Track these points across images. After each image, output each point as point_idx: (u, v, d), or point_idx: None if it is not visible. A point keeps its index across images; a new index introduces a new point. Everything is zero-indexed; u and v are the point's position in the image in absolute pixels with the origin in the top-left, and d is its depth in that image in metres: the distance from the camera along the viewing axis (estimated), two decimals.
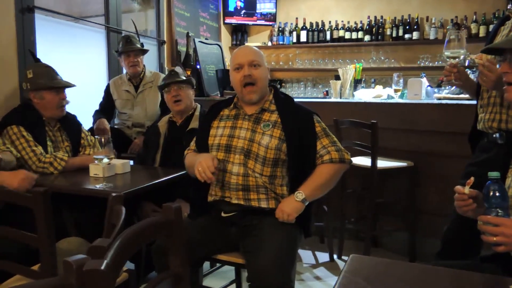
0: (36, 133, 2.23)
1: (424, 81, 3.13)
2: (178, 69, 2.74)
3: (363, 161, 2.75)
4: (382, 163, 2.67)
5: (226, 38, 5.64)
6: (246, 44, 5.70)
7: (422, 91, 3.01)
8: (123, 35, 3.34)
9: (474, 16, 4.77)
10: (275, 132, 1.79)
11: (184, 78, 2.61)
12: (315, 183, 1.77)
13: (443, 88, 3.36)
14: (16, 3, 2.55)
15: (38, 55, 2.61)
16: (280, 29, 5.67)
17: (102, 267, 0.69)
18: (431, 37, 4.95)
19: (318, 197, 1.81)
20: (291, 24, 5.65)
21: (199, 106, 2.65)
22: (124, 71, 3.28)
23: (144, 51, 3.19)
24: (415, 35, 5.02)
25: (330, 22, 5.45)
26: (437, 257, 1.87)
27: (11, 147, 2.14)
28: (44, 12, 2.84)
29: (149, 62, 3.83)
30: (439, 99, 2.98)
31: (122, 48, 3.08)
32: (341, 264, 2.84)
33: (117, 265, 0.80)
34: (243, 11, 5.56)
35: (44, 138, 2.27)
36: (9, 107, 2.36)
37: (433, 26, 4.94)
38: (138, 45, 3.12)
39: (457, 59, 1.76)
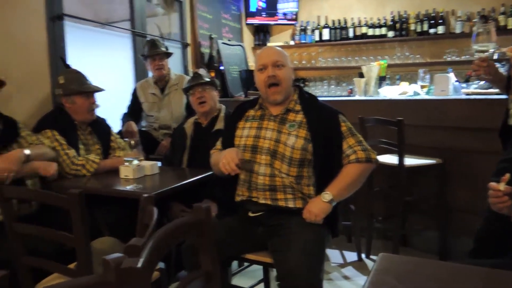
0: (69, 137, 2.30)
1: (451, 76, 3.07)
2: (202, 71, 2.77)
3: (390, 159, 2.72)
4: (409, 161, 2.64)
5: (248, 38, 5.67)
6: (269, 44, 5.71)
7: (450, 87, 2.95)
8: (148, 39, 3.40)
9: (502, 8, 4.63)
10: (300, 132, 1.80)
11: (208, 79, 2.64)
12: (342, 183, 1.76)
13: (471, 83, 3.28)
14: (46, 11, 2.65)
15: (68, 61, 2.70)
16: (302, 28, 5.66)
17: (139, 265, 0.71)
18: (457, 31, 4.83)
19: (345, 197, 1.81)
20: (313, 22, 5.62)
21: (223, 107, 2.68)
22: (150, 74, 3.35)
23: (169, 54, 3.25)
24: (440, 29, 4.91)
25: (352, 19, 5.40)
26: (469, 256, 1.83)
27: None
28: (72, 19, 2.92)
29: (174, 65, 3.89)
30: (468, 94, 2.91)
31: (148, 52, 3.15)
32: (369, 263, 2.82)
33: (152, 263, 0.83)
34: (265, 11, 5.58)
35: (76, 141, 2.35)
36: (42, 112, 2.46)
37: (459, 20, 4.82)
38: (163, 49, 3.18)
39: (486, 53, 1.73)
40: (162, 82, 3.24)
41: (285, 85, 1.84)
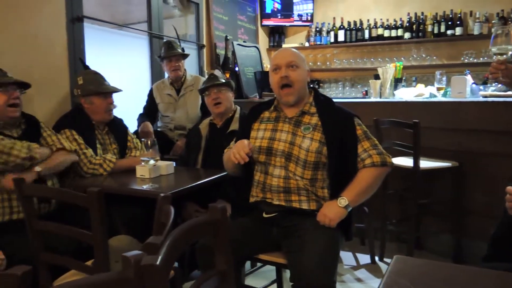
0: (87, 136, 2.35)
1: (469, 79, 3.03)
2: (217, 72, 2.80)
3: (405, 161, 2.70)
4: (425, 163, 2.62)
5: (263, 40, 5.69)
6: (284, 45, 5.73)
7: (467, 89, 2.92)
8: (164, 40, 3.45)
9: None
10: (315, 135, 1.79)
11: (224, 81, 2.66)
12: (357, 188, 1.75)
13: (489, 85, 3.24)
14: (67, 13, 2.71)
15: (87, 62, 2.76)
16: (317, 29, 5.65)
17: (158, 262, 0.73)
18: (475, 32, 4.77)
19: (361, 202, 1.80)
20: (329, 24, 5.62)
21: (239, 108, 2.70)
22: (166, 75, 3.39)
23: (185, 56, 3.28)
24: (458, 30, 4.85)
25: (368, 20, 5.38)
26: (484, 261, 1.80)
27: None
28: (91, 21, 2.97)
29: (190, 66, 3.93)
30: (485, 96, 2.87)
31: (164, 54, 3.19)
32: (382, 266, 2.80)
33: (169, 261, 0.85)
34: (280, 13, 5.59)
35: (94, 141, 2.39)
36: (61, 112, 2.51)
37: (477, 21, 4.76)
38: (179, 50, 3.21)
39: (504, 56, 1.71)
40: (178, 83, 3.28)
41: (297, 87, 1.84)
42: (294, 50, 1.93)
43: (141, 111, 3.31)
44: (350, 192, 1.74)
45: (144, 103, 3.35)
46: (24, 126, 2.16)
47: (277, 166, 1.80)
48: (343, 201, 1.71)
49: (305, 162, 1.77)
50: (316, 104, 1.88)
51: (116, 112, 2.56)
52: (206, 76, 2.81)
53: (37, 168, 2.04)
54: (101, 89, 2.41)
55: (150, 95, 3.33)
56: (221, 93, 2.59)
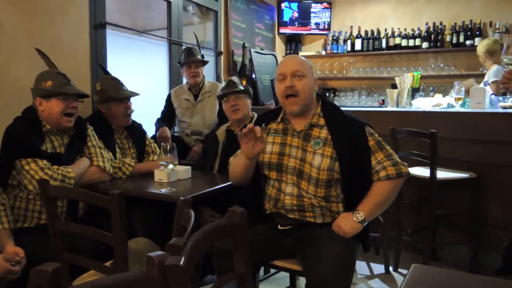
0: (107, 140, 2.39)
1: (488, 89, 3.01)
2: (235, 78, 2.83)
3: (421, 171, 2.68)
4: (441, 174, 2.60)
5: (280, 47, 5.73)
6: (300, 53, 5.75)
7: (486, 100, 2.89)
8: (184, 47, 3.50)
9: None
10: (326, 150, 1.74)
11: (242, 88, 2.69)
12: (373, 203, 1.72)
13: (508, 96, 3.20)
14: (90, 19, 2.78)
15: (108, 68, 2.82)
16: (334, 37, 5.67)
17: (181, 263, 0.75)
18: None
19: (377, 216, 1.78)
20: (346, 32, 5.63)
21: (256, 115, 2.72)
22: (184, 81, 3.44)
23: (204, 63, 3.33)
24: (477, 41, 4.81)
25: (386, 29, 5.38)
26: (497, 274, 1.77)
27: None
28: (113, 27, 3.05)
29: (207, 72, 3.97)
30: (505, 108, 2.84)
31: (184, 60, 3.24)
32: (397, 276, 2.78)
33: (191, 263, 0.87)
34: (298, 21, 5.63)
35: (114, 145, 2.44)
36: (83, 116, 2.55)
37: (497, 32, 4.71)
38: (199, 57, 3.26)
39: None
40: (196, 88, 3.32)
41: (303, 97, 1.76)
42: (300, 57, 1.86)
43: (158, 115, 3.36)
44: (366, 206, 1.70)
45: (162, 108, 3.40)
46: (73, 132, 2.19)
47: (289, 184, 1.77)
48: (359, 215, 1.69)
49: (317, 180, 1.73)
50: (324, 115, 1.81)
51: (135, 117, 2.61)
52: (224, 83, 2.84)
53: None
54: (117, 95, 2.44)
55: (168, 100, 3.39)
56: (239, 100, 2.62)
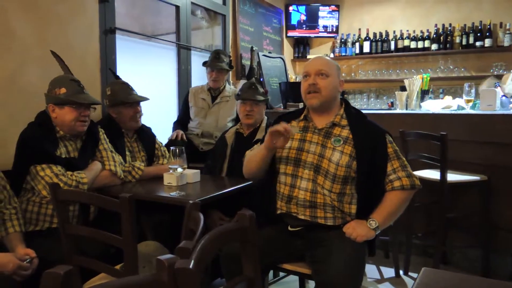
0: (117, 144, 2.41)
1: (499, 91, 2.98)
2: (255, 80, 2.84)
3: (431, 174, 2.66)
4: (452, 177, 2.57)
5: (288, 51, 5.73)
6: (309, 56, 5.75)
7: (497, 102, 2.87)
8: (216, 49, 3.48)
9: None
10: (346, 148, 1.77)
11: (262, 97, 2.69)
12: (387, 211, 1.74)
13: None
14: (100, 25, 2.81)
15: (118, 72, 2.84)
16: (342, 40, 5.66)
17: (191, 266, 0.76)
18: (506, 43, 4.68)
19: (388, 225, 1.80)
20: (354, 35, 5.62)
21: (265, 118, 2.73)
22: (206, 81, 3.43)
23: (228, 70, 3.36)
24: (487, 42, 4.78)
25: (394, 32, 5.35)
26: (510, 279, 1.75)
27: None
28: (122, 33, 3.08)
29: None
30: None
31: (209, 63, 3.28)
32: (407, 280, 2.75)
33: (201, 266, 0.88)
34: (306, 24, 5.63)
35: (123, 148, 2.45)
36: (93, 120, 2.59)
37: (508, 32, 4.67)
38: (225, 64, 3.28)
39: None
40: (216, 91, 3.34)
41: (324, 93, 1.82)
42: (327, 59, 1.92)
43: (168, 119, 3.38)
44: (380, 214, 1.73)
45: (171, 111, 3.41)
46: (85, 136, 2.21)
47: (304, 179, 1.79)
48: (373, 223, 1.71)
49: (334, 176, 1.75)
50: (347, 116, 1.87)
51: (144, 120, 2.62)
52: (246, 83, 2.82)
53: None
54: (127, 99, 2.46)
55: (185, 100, 3.41)
56: (256, 107, 2.64)
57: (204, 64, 3.35)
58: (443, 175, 2.50)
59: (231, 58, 4.30)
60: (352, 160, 1.75)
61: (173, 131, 3.20)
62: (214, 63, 3.24)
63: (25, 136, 2.03)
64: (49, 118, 2.09)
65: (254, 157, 1.92)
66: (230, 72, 4.37)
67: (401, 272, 2.81)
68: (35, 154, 1.98)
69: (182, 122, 3.35)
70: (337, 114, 1.87)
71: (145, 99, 2.55)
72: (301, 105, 3.15)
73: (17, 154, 2.05)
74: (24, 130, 2.06)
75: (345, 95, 5.54)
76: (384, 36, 5.41)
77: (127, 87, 2.53)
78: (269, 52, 4.77)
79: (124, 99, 2.46)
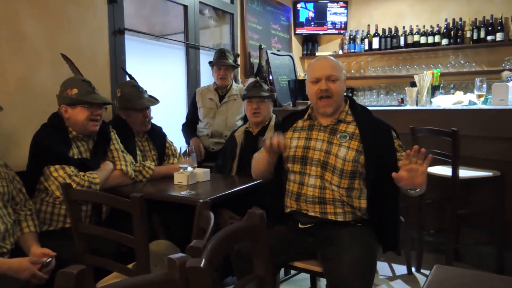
0: (128, 143, 2.43)
1: (511, 86, 2.93)
2: (261, 81, 2.84)
3: (443, 170, 2.64)
4: (464, 173, 2.55)
5: (297, 48, 5.72)
6: (317, 54, 5.72)
7: (509, 96, 2.83)
8: (220, 48, 3.50)
9: None
10: (352, 143, 1.78)
11: (267, 93, 2.70)
12: None
13: None
14: (109, 26, 2.83)
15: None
16: (351, 37, 5.62)
17: (202, 265, 0.76)
18: None
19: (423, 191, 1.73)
20: (363, 31, 5.58)
21: (274, 116, 2.73)
22: (212, 80, 3.44)
23: (235, 67, 3.36)
24: (499, 36, 4.71)
25: (404, 27, 5.30)
26: None
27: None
28: (131, 33, 3.09)
29: None
30: None
31: (215, 61, 3.28)
32: (420, 277, 2.74)
33: (212, 265, 0.88)
34: (314, 21, 5.61)
35: (134, 148, 2.47)
36: (104, 119, 2.62)
37: None
38: (231, 60, 3.29)
39: None
40: (223, 90, 3.35)
41: (336, 98, 1.84)
42: (333, 60, 1.90)
43: (177, 118, 3.38)
44: None
45: (181, 110, 3.42)
46: (97, 137, 2.24)
47: (312, 176, 1.80)
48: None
49: (341, 171, 1.76)
50: (353, 112, 1.88)
51: (153, 120, 2.64)
52: (251, 83, 2.83)
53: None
54: (136, 105, 2.46)
55: (193, 101, 3.41)
56: (262, 104, 2.64)
57: (210, 63, 3.36)
58: (455, 172, 2.47)
59: (237, 56, 4.31)
60: (359, 154, 1.75)
61: (185, 137, 3.21)
62: (220, 60, 3.25)
63: (38, 137, 2.07)
64: (62, 119, 2.12)
65: (259, 159, 1.95)
66: (239, 70, 4.37)
67: (413, 269, 2.79)
68: (48, 155, 2.01)
69: (190, 124, 3.36)
70: (342, 111, 1.88)
71: (154, 103, 2.56)
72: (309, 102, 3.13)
73: (31, 155, 2.09)
74: (38, 131, 2.10)
75: (355, 92, 5.51)
76: (393, 32, 5.36)
77: (137, 90, 2.52)
78: (278, 50, 4.76)
79: (133, 105, 2.46)
